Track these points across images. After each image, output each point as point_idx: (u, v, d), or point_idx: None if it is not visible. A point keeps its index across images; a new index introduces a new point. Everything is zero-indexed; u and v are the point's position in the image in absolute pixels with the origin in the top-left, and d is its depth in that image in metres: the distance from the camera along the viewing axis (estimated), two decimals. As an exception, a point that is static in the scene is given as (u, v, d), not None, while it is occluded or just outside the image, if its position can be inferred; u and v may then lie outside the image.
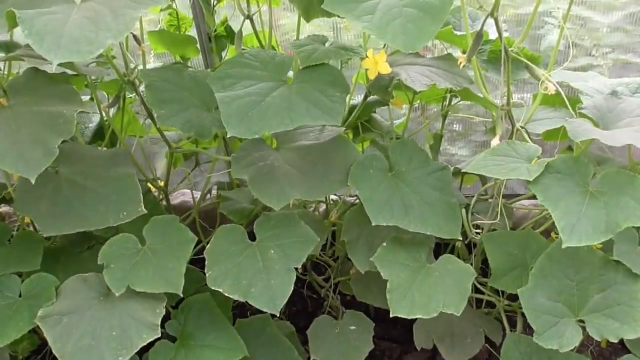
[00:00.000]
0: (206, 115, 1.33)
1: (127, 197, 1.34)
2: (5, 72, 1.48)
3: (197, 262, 1.50)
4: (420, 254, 1.27)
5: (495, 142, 1.24)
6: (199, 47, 1.67)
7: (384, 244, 1.27)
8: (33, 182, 1.10)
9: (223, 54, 1.70)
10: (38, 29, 0.91)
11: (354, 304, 1.69)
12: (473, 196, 1.45)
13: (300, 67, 1.21)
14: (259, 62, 1.23)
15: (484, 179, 1.70)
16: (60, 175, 1.35)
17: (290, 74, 1.23)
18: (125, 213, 1.32)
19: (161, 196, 1.83)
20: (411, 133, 1.71)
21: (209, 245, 1.30)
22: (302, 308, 1.86)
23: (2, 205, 2.01)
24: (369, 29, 1.00)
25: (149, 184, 1.66)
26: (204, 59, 1.70)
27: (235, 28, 1.68)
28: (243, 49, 1.39)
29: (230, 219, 1.63)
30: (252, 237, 1.32)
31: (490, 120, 1.74)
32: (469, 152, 1.91)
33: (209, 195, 1.87)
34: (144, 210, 1.33)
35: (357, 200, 1.46)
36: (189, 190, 1.97)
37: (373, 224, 1.20)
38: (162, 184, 1.88)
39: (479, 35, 1.18)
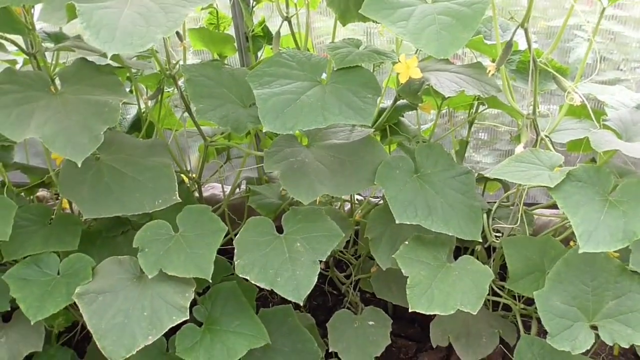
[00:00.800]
0: (242, 111, 1.39)
1: (162, 185, 1.41)
2: (54, 62, 1.56)
3: (225, 252, 1.57)
4: (441, 253, 1.31)
5: (519, 149, 1.28)
6: (236, 46, 1.73)
7: (406, 242, 1.32)
8: (79, 165, 1.17)
9: (259, 54, 1.77)
10: (95, 21, 0.98)
11: (373, 301, 1.74)
12: (495, 202, 1.49)
13: (335, 69, 1.26)
14: (296, 62, 1.29)
15: (506, 187, 1.74)
16: (101, 162, 1.43)
17: (324, 75, 1.28)
18: (160, 200, 1.39)
19: (194, 187, 1.90)
20: (438, 138, 1.75)
21: (238, 235, 1.36)
22: (323, 303, 1.92)
23: (41, 189, 2.10)
24: (404, 34, 1.05)
25: (182, 175, 1.72)
26: (240, 58, 1.77)
27: (272, 29, 1.75)
28: (280, 50, 1.45)
29: (258, 213, 1.70)
30: (279, 230, 1.37)
31: (515, 129, 1.78)
32: (493, 160, 1.94)
33: (238, 189, 1.93)
34: (178, 198, 1.39)
35: (382, 201, 1.51)
36: (219, 184, 2.03)
37: (397, 222, 1.25)
38: (194, 176, 1.95)
39: (509, 45, 1.22)
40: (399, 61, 1.27)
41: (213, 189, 2.12)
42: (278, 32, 1.41)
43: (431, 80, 1.35)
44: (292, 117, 1.17)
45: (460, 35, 1.03)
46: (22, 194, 1.95)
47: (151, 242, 1.35)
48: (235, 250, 1.33)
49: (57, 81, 1.33)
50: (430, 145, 1.39)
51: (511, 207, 1.55)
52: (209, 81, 1.42)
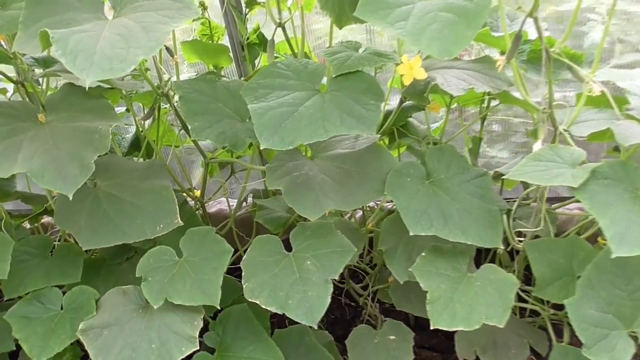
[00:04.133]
0: (240, 126, 1.32)
1: (163, 209, 1.35)
2: (44, 87, 1.50)
3: (235, 270, 1.50)
4: (461, 263, 1.23)
5: (537, 146, 1.20)
6: (231, 55, 1.66)
7: (423, 253, 1.24)
8: (71, 198, 1.11)
9: (256, 62, 1.70)
10: (71, 48, 0.91)
11: (392, 312, 1.66)
12: (514, 200, 1.41)
13: (334, 76, 1.19)
14: (292, 72, 1.22)
15: (525, 183, 1.65)
16: (98, 189, 1.37)
17: (325, 81, 1.21)
18: (162, 225, 1.33)
19: (197, 205, 1.84)
20: (449, 137, 1.67)
21: (245, 256, 1.29)
22: (340, 316, 1.84)
23: (45, 216, 2.05)
24: (403, 35, 0.97)
25: (185, 194, 1.66)
26: (237, 68, 1.70)
27: (268, 35, 1.68)
28: (276, 57, 1.38)
29: (266, 228, 1.64)
30: (288, 246, 1.30)
31: (530, 120, 1.69)
32: (509, 153, 1.85)
33: (244, 203, 1.87)
34: (180, 222, 1.33)
35: (395, 207, 1.44)
36: (225, 199, 1.97)
37: (411, 234, 1.17)
38: (198, 193, 1.89)
39: (518, 37, 1.13)
40: (402, 62, 1.19)
41: (220, 204, 2.06)
42: (272, 40, 1.34)
43: (437, 79, 1.27)
44: (291, 131, 1.10)
45: (465, 33, 0.95)
46: (27, 222, 1.91)
47: (154, 270, 1.28)
48: (243, 273, 1.26)
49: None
50: (442, 148, 1.31)
51: (532, 205, 1.46)
52: (203, 97, 1.35)
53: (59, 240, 1.74)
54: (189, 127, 1.27)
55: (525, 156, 1.53)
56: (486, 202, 1.25)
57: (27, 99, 1.36)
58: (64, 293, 1.35)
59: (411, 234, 1.17)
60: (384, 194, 1.23)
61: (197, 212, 1.78)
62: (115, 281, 1.45)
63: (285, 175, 1.25)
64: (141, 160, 1.53)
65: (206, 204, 1.89)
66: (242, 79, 1.49)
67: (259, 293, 1.21)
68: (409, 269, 1.22)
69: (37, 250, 1.46)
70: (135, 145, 1.80)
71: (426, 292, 1.17)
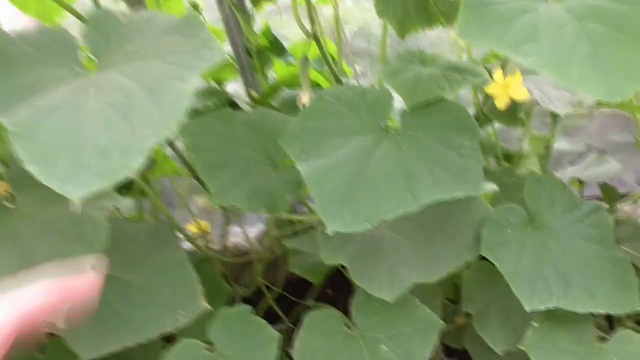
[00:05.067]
0: (274, 177, 1.00)
1: (182, 290, 1.02)
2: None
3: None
4: (585, 332, 0.95)
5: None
6: (237, 66, 1.32)
7: (535, 323, 0.95)
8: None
9: (268, 72, 1.35)
10: (43, 147, 0.57)
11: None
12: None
13: (407, 110, 0.87)
14: (345, 106, 0.89)
15: (613, 194, 1.37)
16: (95, 271, 1.04)
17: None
18: (182, 312, 1.01)
19: (206, 241, 1.52)
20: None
21: (297, 342, 0.99)
22: None
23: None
24: (540, 67, 0.65)
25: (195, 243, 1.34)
26: (243, 80, 1.36)
27: (279, 35, 1.34)
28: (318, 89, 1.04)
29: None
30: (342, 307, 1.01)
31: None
32: (583, 146, 1.54)
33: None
34: (208, 306, 1.02)
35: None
36: (240, 228, 1.65)
37: (527, 310, 0.88)
38: (205, 225, 1.57)
39: None
40: (494, 80, 0.87)
41: (234, 236, 1.73)
42: (305, 59, 0.99)
43: (533, 92, 0.96)
44: (365, 201, 0.78)
45: (637, 57, 0.63)
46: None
47: (184, 377, 0.98)
48: (299, 367, 0.97)
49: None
50: (540, 180, 1.01)
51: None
52: (220, 140, 1.01)
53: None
54: (210, 189, 0.95)
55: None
56: (607, 247, 0.96)
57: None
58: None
59: (528, 309, 0.88)
60: (478, 253, 0.93)
61: (207, 246, 1.47)
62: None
63: (348, 242, 0.94)
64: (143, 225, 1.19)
65: (216, 238, 1.57)
66: (264, 108, 1.15)
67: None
68: (519, 346, 0.93)
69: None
70: (126, 184, 1.46)
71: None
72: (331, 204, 0.77)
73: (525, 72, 1.02)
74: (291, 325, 1.41)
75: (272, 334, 1.02)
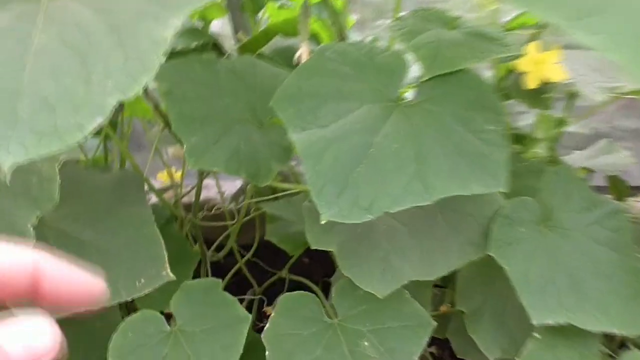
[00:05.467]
0: (260, 138, 0.86)
1: (145, 255, 0.90)
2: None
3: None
4: (590, 346, 0.85)
5: None
6: (225, 5, 1.16)
7: (536, 334, 0.85)
8: None
9: (259, 15, 1.20)
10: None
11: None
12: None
13: (422, 79, 0.73)
14: (350, 66, 0.75)
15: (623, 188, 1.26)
16: (45, 226, 0.91)
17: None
18: (143, 280, 0.89)
19: (179, 194, 1.39)
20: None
21: (268, 324, 0.88)
22: None
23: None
24: (607, 46, 0.52)
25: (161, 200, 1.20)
26: (231, 21, 1.20)
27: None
28: (309, 38, 0.90)
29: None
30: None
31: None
32: (589, 130, 1.42)
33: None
34: (172, 276, 0.89)
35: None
36: (214, 181, 1.51)
37: (535, 323, 0.78)
38: (177, 175, 1.44)
39: None
40: (526, 55, 0.74)
41: (206, 189, 1.60)
42: (307, 7, 0.84)
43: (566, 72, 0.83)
44: (368, 187, 0.66)
45: None
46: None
47: (135, 351, 0.87)
48: (267, 353, 0.86)
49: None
50: (558, 172, 0.89)
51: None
52: (201, 89, 0.87)
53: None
54: (185, 147, 0.81)
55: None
56: (626, 255, 0.86)
57: None
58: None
59: (535, 323, 0.78)
60: (485, 252, 0.82)
61: (177, 204, 1.34)
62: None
63: (339, 224, 0.81)
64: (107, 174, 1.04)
65: (185, 192, 1.43)
66: (252, 56, 0.99)
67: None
68: (516, 359, 0.84)
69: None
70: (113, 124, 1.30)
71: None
72: (328, 186, 0.65)
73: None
74: (262, 297, 1.31)
75: (243, 314, 0.90)
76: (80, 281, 0.34)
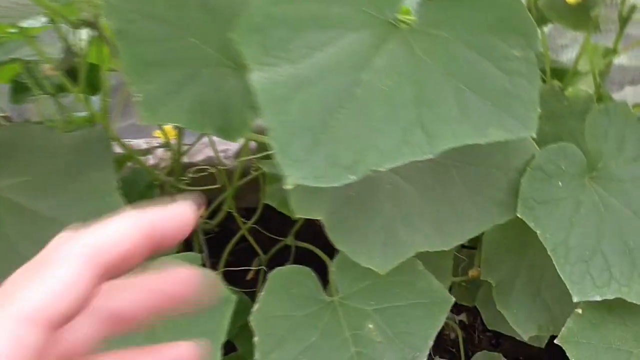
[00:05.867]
0: (233, 83, 0.70)
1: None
2: None
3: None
4: (644, 325, 0.69)
5: None
6: None
7: (579, 310, 0.69)
8: None
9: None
10: None
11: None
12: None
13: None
14: (334, -19, 0.58)
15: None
16: (-4, 194, 0.78)
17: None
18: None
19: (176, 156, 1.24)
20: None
21: (257, 306, 0.75)
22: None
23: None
24: None
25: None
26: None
27: None
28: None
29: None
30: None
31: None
32: None
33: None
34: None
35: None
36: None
37: (576, 300, 0.62)
38: (173, 133, 1.30)
39: None
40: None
41: (206, 147, 1.44)
42: None
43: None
44: (351, 138, 0.50)
45: None
46: None
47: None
48: (255, 338, 0.73)
49: None
50: (608, 110, 0.71)
51: None
52: (162, 29, 0.71)
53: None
54: (137, 98, 0.66)
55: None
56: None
57: None
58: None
59: (576, 299, 0.62)
60: (514, 214, 0.65)
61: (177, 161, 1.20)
62: None
63: (329, 191, 0.66)
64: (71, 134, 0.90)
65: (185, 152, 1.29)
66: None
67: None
68: (556, 342, 0.68)
69: None
70: (71, 74, 1.17)
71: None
72: (296, 139, 0.49)
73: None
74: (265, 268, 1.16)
75: (227, 295, 0.76)
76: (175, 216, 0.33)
